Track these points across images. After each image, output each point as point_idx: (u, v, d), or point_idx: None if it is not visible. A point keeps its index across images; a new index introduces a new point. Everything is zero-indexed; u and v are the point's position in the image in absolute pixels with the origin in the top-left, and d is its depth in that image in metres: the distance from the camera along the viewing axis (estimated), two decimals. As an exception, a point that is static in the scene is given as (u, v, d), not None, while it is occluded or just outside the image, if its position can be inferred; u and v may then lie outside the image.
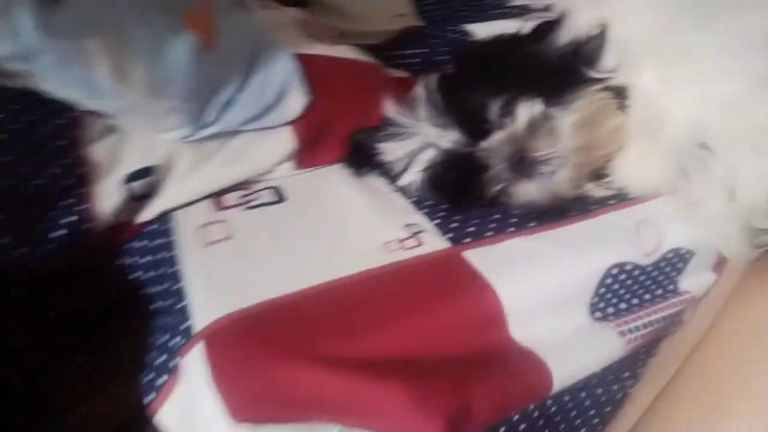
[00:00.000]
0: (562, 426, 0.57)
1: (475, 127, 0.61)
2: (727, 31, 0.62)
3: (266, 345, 0.48)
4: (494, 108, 0.60)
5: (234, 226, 0.62)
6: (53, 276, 0.69)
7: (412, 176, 0.65)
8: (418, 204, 0.65)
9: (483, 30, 1.10)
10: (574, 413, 0.58)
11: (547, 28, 0.69)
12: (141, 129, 0.66)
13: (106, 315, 0.73)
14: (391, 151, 0.66)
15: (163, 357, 0.52)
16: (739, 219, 0.56)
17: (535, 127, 0.58)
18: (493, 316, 0.53)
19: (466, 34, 1.10)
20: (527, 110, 0.58)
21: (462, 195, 0.63)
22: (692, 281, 0.62)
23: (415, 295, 0.53)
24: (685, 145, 0.60)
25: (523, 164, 0.59)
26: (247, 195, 0.68)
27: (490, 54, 0.68)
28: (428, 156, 0.63)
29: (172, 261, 0.59)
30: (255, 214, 0.64)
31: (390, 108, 0.68)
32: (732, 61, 0.60)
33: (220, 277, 0.55)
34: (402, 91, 0.81)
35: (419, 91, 0.66)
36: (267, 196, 0.67)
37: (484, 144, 0.60)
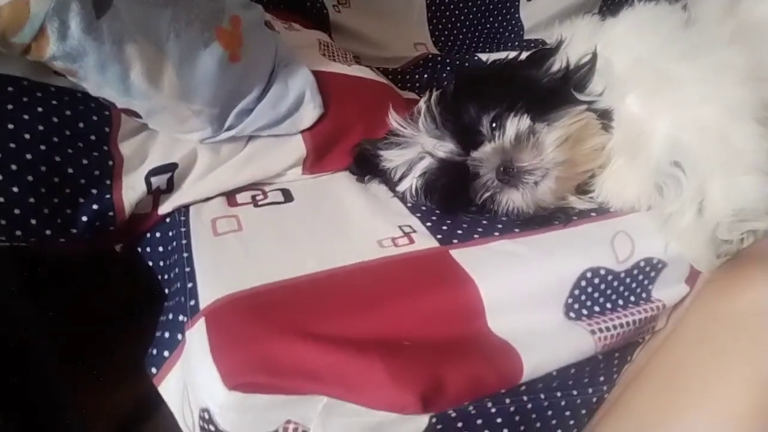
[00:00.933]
0: (538, 424, 0.61)
1: (468, 138, 0.66)
2: (705, 64, 0.67)
3: (260, 321, 0.53)
4: (485, 121, 0.66)
5: (243, 220, 0.68)
6: (75, 263, 0.76)
7: (410, 181, 0.70)
8: (414, 209, 0.71)
9: (496, 57, 1.17)
10: (550, 412, 0.62)
11: (542, 55, 0.74)
12: (167, 129, 0.73)
13: (116, 312, 0.79)
14: (392, 158, 0.72)
15: (171, 333, 0.58)
16: (705, 232, 0.60)
17: (521, 139, 0.64)
18: (473, 308, 0.57)
19: (480, 62, 1.17)
20: (515, 124, 0.64)
21: (453, 200, 0.68)
22: (664, 291, 0.65)
23: (401, 284, 0.58)
24: (661, 163, 0.64)
25: (508, 173, 0.64)
26: (257, 194, 0.74)
27: (486, 75, 0.74)
28: (425, 163, 0.69)
29: (184, 248, 0.65)
30: (264, 211, 0.70)
31: (394, 120, 0.74)
32: (709, 91, 0.65)
33: (225, 263, 0.61)
34: (409, 109, 0.88)
35: (421, 105, 0.72)
36: (276, 197, 0.73)
37: (476, 154, 0.66)
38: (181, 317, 0.57)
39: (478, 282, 0.58)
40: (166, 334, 0.58)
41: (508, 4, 1.31)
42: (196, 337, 0.54)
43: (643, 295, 0.65)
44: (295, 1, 1.16)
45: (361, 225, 0.67)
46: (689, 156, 0.63)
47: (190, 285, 0.59)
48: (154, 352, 0.59)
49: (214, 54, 0.70)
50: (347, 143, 0.80)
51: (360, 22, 1.21)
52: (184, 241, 0.66)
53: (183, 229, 0.68)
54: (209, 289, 0.57)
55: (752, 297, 0.53)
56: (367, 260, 0.61)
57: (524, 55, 0.78)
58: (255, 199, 0.73)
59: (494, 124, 0.65)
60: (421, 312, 0.56)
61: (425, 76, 1.08)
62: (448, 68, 1.16)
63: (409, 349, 0.53)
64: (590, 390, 0.65)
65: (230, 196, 0.74)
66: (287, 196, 0.74)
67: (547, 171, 0.64)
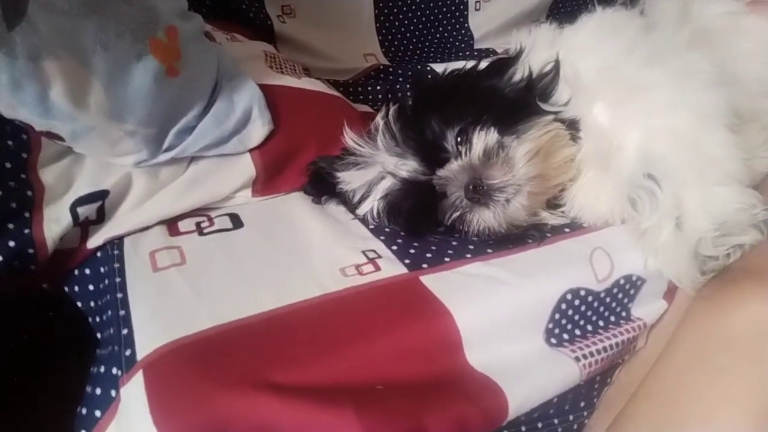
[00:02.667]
0: (520, 457, 0.56)
1: (432, 155, 0.61)
2: (672, 69, 0.64)
3: (210, 373, 0.46)
4: (450, 137, 0.60)
5: (187, 251, 0.60)
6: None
7: (371, 204, 0.64)
8: (377, 231, 0.65)
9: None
10: (531, 444, 0.57)
11: (503, 64, 0.70)
12: (96, 153, 0.64)
13: (44, 352, 0.69)
14: (349, 179, 0.65)
15: (103, 389, 0.49)
16: (686, 247, 0.57)
17: (490, 155, 0.59)
18: (449, 341, 0.52)
19: (429, 72, 1.13)
20: (482, 139, 0.59)
21: (419, 223, 0.63)
22: (644, 309, 0.62)
23: (370, 319, 0.52)
24: (634, 176, 0.61)
25: (478, 192, 0.59)
26: (202, 221, 0.66)
27: (446, 86, 0.69)
28: (387, 184, 0.63)
29: (117, 288, 0.56)
30: (210, 240, 0.63)
31: (349, 138, 0.68)
32: (678, 96, 0.62)
33: (166, 304, 0.53)
34: (364, 124, 0.82)
35: (378, 121, 0.66)
36: (224, 223, 0.66)
37: (442, 172, 0.60)
38: (114, 370, 0.49)
39: (454, 312, 0.53)
40: (98, 391, 0.50)
41: (456, 14, 1.28)
42: (133, 394, 0.46)
43: (623, 314, 0.61)
44: (236, 12, 1.09)
45: (321, 252, 0.61)
46: (662, 167, 0.60)
47: (125, 331, 0.51)
48: (84, 411, 0.50)
49: (149, 68, 0.63)
50: (300, 161, 0.73)
51: (307, 32, 1.15)
52: (117, 279, 0.57)
53: (116, 265, 0.59)
54: (148, 336, 0.49)
55: (749, 316, 0.50)
56: (331, 292, 0.54)
57: (483, 64, 0.74)
58: (200, 226, 0.65)
59: (460, 140, 0.60)
60: (395, 349, 0.50)
61: (377, 87, 1.03)
62: (401, 79, 1.11)
63: (384, 396, 0.47)
64: (571, 417, 0.61)
65: (171, 224, 0.65)
66: (236, 221, 0.66)
67: (519, 187, 0.59)
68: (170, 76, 0.65)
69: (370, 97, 1.02)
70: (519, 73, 0.68)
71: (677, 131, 0.60)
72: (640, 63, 0.65)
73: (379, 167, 0.63)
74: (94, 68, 0.59)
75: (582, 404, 0.61)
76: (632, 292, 0.61)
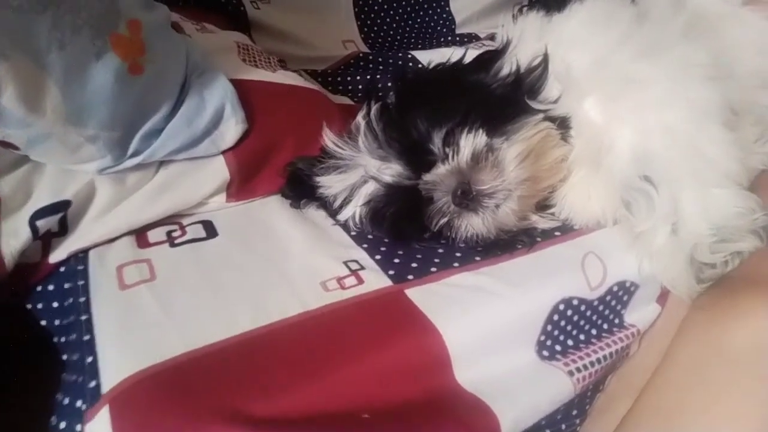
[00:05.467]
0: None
1: (418, 158, 0.57)
2: (667, 62, 0.60)
3: (182, 407, 0.42)
4: (437, 139, 0.56)
5: (157, 265, 0.56)
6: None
7: (353, 209, 0.60)
8: (359, 238, 0.61)
9: (428, 57, 1.09)
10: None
11: (489, 57, 0.66)
12: (55, 160, 0.59)
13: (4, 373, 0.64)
14: (330, 184, 0.61)
15: (68, 422, 0.44)
16: (682, 253, 0.54)
17: (478, 159, 0.55)
18: (437, 360, 0.48)
19: (411, 60, 1.08)
20: (470, 141, 0.55)
21: (405, 229, 0.59)
22: (637, 314, 0.59)
23: (353, 341, 0.48)
24: (628, 177, 0.58)
25: (467, 197, 0.55)
26: (174, 230, 0.62)
27: (430, 82, 0.64)
28: (369, 189, 0.59)
29: (82, 308, 0.52)
30: (182, 252, 0.58)
31: (329, 139, 0.63)
32: (673, 91, 0.59)
33: (134, 328, 0.48)
34: (344, 119, 0.77)
35: (359, 121, 0.61)
36: (196, 232, 0.61)
37: (428, 177, 0.57)
38: (79, 403, 0.45)
39: (441, 328, 0.49)
40: (63, 425, 0.45)
41: (438, -3, 1.24)
42: (99, 429, 0.42)
43: (616, 321, 0.58)
44: (207, 0, 1.03)
45: (300, 263, 0.56)
46: (658, 168, 0.56)
47: (89, 359, 0.47)
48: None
49: (110, 66, 0.57)
50: (277, 162, 0.68)
51: (282, 18, 1.09)
52: (82, 299, 0.53)
53: (81, 282, 0.55)
54: (114, 366, 0.45)
55: (750, 330, 0.47)
56: (312, 310, 0.50)
57: (469, 56, 0.69)
58: (171, 236, 0.60)
59: (446, 142, 0.56)
60: (380, 372, 0.47)
61: (357, 77, 0.98)
62: (381, 68, 1.06)
63: (370, 426, 0.44)
64: (563, 426, 0.58)
65: (140, 234, 0.61)
66: (210, 230, 0.62)
67: (509, 192, 0.55)
68: (134, 74, 0.60)
69: (350, 87, 0.97)
70: (506, 67, 0.64)
71: (672, 129, 0.57)
72: (633, 55, 0.61)
73: (361, 171, 0.59)
74: (49, 69, 0.54)
75: (574, 413, 0.58)
76: (625, 298, 0.58)
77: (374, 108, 0.60)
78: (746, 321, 0.48)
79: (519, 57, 0.64)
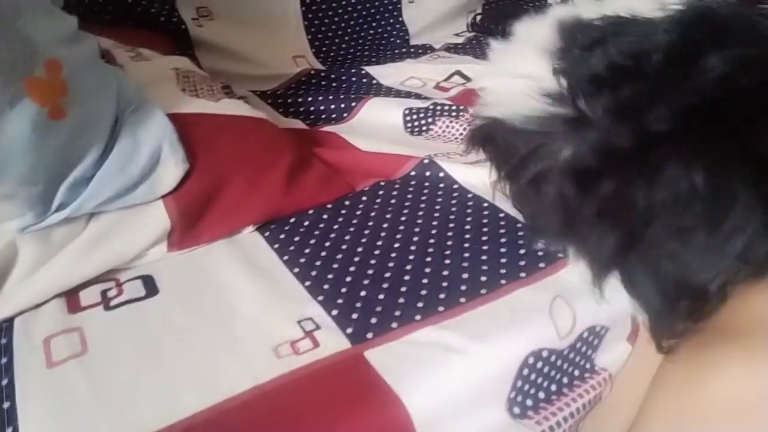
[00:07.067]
0: None
1: None
2: None
3: None
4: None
5: (90, 335, 0.50)
6: None
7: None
8: (314, 289, 0.56)
9: (383, 72, 1.04)
10: None
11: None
12: (-34, 221, 0.52)
13: None
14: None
15: None
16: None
17: None
18: (401, 433, 0.44)
19: (365, 77, 1.04)
20: None
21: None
22: (608, 357, 0.56)
23: (308, 421, 0.43)
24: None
25: None
26: (109, 289, 0.55)
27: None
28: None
29: (5, 393, 0.45)
30: (118, 316, 0.52)
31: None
32: None
33: (62, 417, 0.42)
34: (296, 145, 0.72)
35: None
36: (135, 289, 0.55)
37: None
38: None
39: (405, 397, 0.45)
40: None
41: (390, 7, 1.19)
42: None
43: (587, 366, 0.55)
44: (145, 17, 0.96)
45: (251, 325, 0.51)
46: None
47: (11, 460, 0.41)
48: None
49: (26, 114, 0.51)
50: (223, 203, 0.63)
51: (227, 35, 1.03)
52: (4, 381, 0.46)
53: (4, 360, 0.48)
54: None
55: (728, 385, 0.44)
56: (263, 383, 0.45)
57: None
58: (106, 296, 0.54)
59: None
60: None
61: (309, 98, 0.93)
62: (334, 86, 1.02)
63: None
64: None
65: (71, 296, 0.54)
66: (150, 286, 0.56)
67: None
68: (55, 119, 0.54)
69: (302, 109, 0.92)
70: None
71: None
72: None
73: None
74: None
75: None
76: (596, 342, 0.55)
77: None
78: (723, 376, 0.45)
79: None
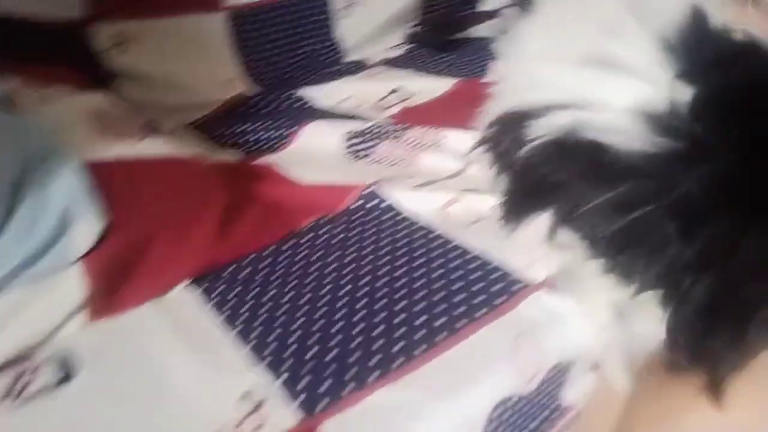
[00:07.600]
0: None
1: None
2: None
3: None
4: None
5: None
6: None
7: None
8: (257, 352, 0.50)
9: (320, 95, 0.99)
10: None
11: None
12: None
13: None
14: None
15: None
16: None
17: None
18: None
19: (301, 100, 0.99)
20: None
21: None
22: (574, 389, 0.53)
23: None
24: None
25: None
26: (20, 376, 0.48)
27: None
28: None
29: None
30: (30, 411, 0.45)
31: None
32: None
33: None
34: (229, 185, 0.66)
35: None
36: (49, 374, 0.48)
37: None
38: None
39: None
40: None
41: (319, 22, 1.14)
42: None
43: (554, 404, 0.52)
44: (56, 53, 0.87)
45: (186, 407, 0.45)
46: None
47: None
48: None
49: None
50: (149, 261, 0.56)
51: (149, 62, 0.95)
52: None
53: None
54: None
55: (699, 420, 0.42)
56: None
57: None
58: (14, 388, 0.47)
59: None
60: None
61: (246, 125, 0.87)
62: (269, 111, 0.96)
63: None
64: None
65: (-27, 390, 0.47)
66: (67, 368, 0.49)
67: None
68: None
69: (236, 139, 0.86)
70: None
71: None
72: None
73: None
74: None
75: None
76: (562, 378, 0.52)
77: None
78: (694, 409, 0.43)
79: None
